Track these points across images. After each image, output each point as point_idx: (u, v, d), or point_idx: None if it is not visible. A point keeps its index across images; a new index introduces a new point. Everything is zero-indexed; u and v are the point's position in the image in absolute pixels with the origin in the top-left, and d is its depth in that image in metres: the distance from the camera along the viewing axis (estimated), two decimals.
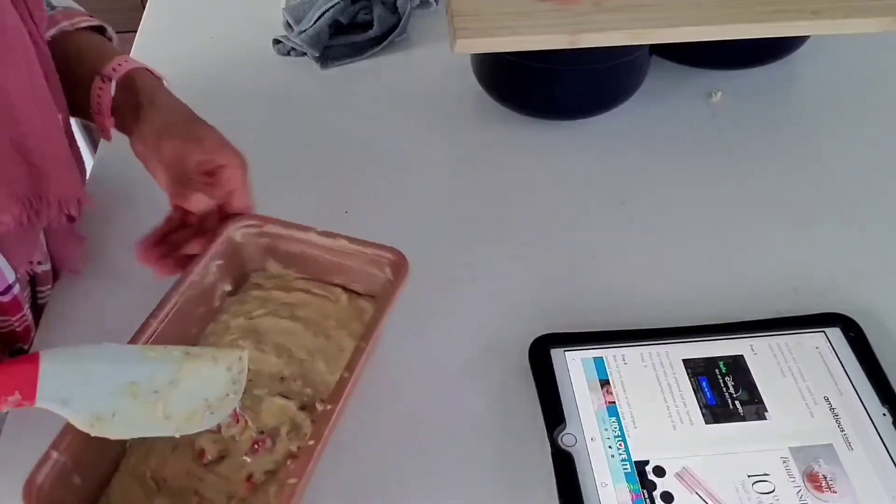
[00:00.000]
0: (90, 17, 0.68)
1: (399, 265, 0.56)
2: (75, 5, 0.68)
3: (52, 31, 0.63)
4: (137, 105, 0.60)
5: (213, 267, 0.58)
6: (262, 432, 0.53)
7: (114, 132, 0.63)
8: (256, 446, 0.52)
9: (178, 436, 0.48)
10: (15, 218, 0.54)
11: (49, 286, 0.66)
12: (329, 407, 0.49)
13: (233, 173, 0.57)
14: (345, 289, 0.61)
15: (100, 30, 0.69)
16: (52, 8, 0.65)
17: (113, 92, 0.61)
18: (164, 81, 0.64)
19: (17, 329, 0.63)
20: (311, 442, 0.47)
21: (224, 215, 0.60)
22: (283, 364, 0.57)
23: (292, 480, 0.45)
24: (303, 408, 0.54)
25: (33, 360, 0.43)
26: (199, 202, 0.56)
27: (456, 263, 0.67)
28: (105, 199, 0.72)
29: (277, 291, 0.61)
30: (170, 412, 0.47)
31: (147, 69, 0.63)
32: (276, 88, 0.87)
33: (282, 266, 0.62)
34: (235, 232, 0.59)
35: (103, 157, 0.78)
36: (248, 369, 0.51)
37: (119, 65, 0.61)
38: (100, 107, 0.61)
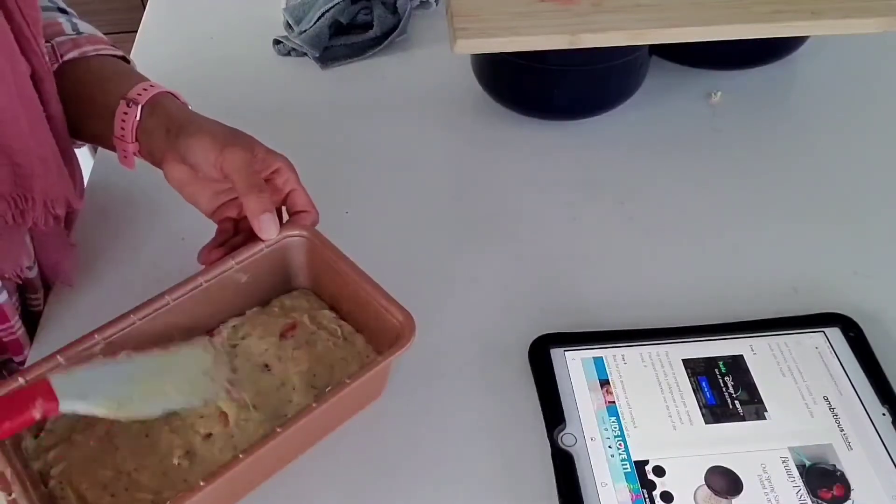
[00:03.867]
0: (114, 46, 0.67)
1: (404, 330, 0.54)
2: (100, 34, 0.67)
3: (74, 54, 0.63)
4: (172, 128, 0.58)
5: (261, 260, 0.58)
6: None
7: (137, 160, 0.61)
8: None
9: (188, 406, 0.52)
10: None
11: (37, 295, 0.66)
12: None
13: (289, 175, 0.59)
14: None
15: (122, 60, 0.67)
16: (79, 33, 0.64)
17: (139, 116, 0.59)
18: (189, 107, 0.63)
19: (4, 339, 0.62)
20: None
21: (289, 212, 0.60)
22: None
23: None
24: None
25: (41, 380, 0.47)
26: (270, 229, 0.56)
27: (456, 263, 0.67)
28: (103, 208, 0.72)
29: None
30: (177, 386, 0.51)
31: (173, 94, 0.62)
32: (276, 88, 0.87)
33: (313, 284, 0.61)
34: (291, 239, 0.59)
35: (99, 168, 0.77)
36: None
37: (144, 89, 0.59)
38: (124, 132, 0.59)
